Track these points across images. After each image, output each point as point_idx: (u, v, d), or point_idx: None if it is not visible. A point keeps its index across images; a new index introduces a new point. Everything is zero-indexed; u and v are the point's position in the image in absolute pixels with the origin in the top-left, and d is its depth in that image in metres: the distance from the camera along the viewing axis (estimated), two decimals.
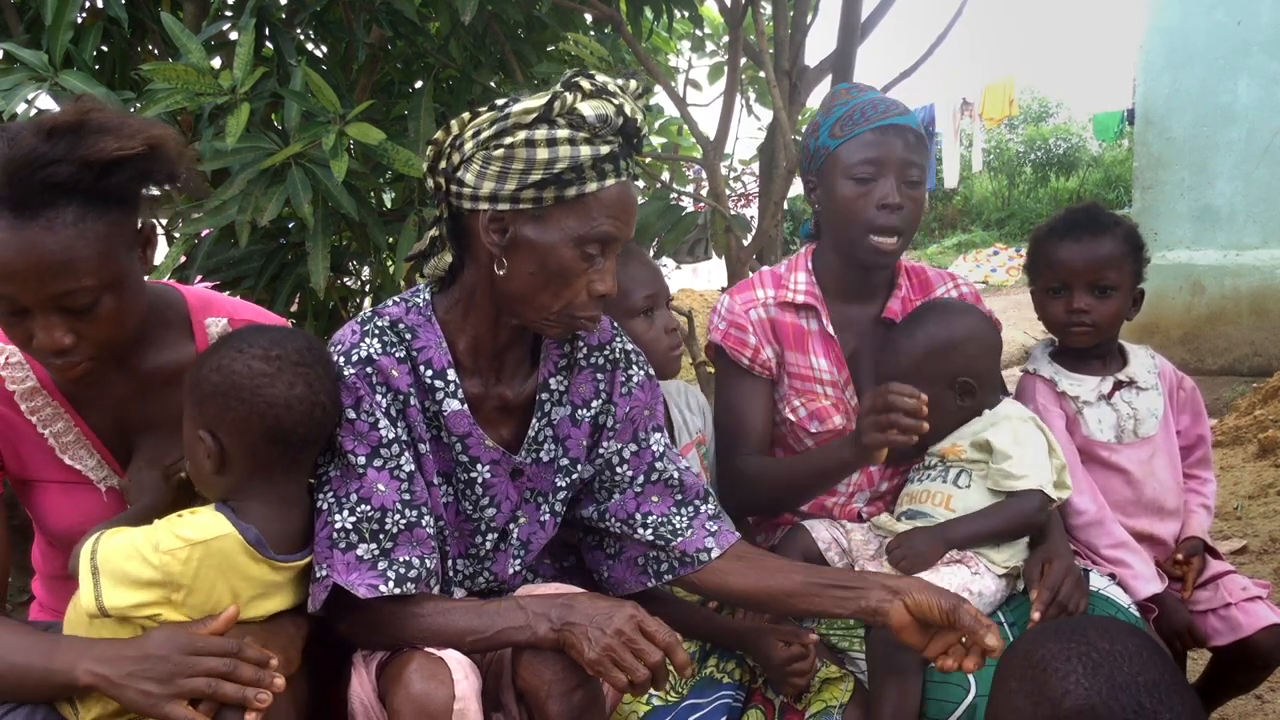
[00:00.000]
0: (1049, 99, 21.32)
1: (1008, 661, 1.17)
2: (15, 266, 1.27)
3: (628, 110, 1.44)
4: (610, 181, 1.45)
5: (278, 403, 1.39)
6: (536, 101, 1.42)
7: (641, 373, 1.69)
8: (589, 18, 3.45)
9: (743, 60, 3.66)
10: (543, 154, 1.40)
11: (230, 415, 1.40)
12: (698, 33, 4.28)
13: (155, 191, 1.46)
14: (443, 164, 1.49)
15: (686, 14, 3.67)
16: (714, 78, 4.45)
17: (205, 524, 1.37)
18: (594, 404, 1.66)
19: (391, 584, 1.44)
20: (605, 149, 1.43)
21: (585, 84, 1.43)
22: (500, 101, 1.46)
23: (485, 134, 1.43)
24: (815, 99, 3.95)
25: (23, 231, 1.27)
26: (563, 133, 1.41)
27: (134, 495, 1.54)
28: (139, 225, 1.42)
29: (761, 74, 3.73)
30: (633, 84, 1.50)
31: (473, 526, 1.61)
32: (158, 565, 1.32)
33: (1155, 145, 6.65)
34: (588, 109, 1.41)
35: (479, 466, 1.59)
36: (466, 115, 1.47)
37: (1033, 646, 1.14)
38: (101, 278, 1.33)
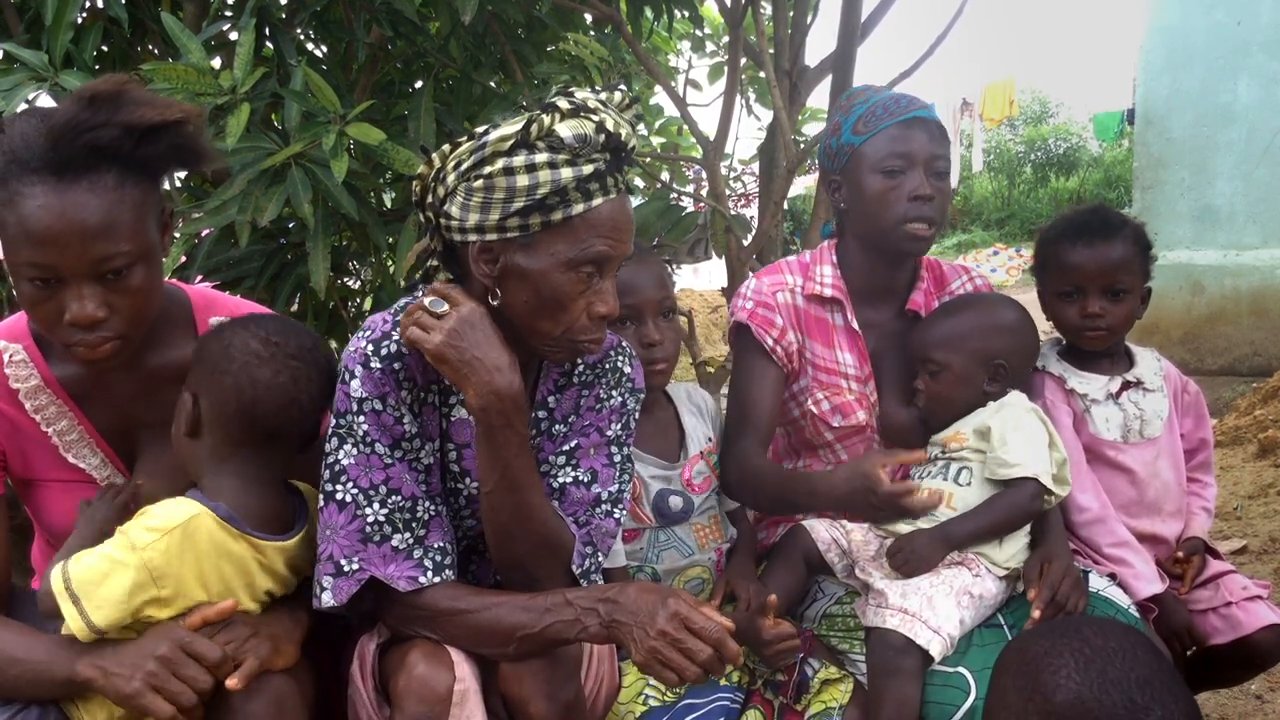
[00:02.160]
0: (1049, 99, 21.34)
1: (1003, 659, 1.17)
2: (58, 230, 1.30)
3: (610, 126, 1.39)
4: (598, 201, 1.41)
5: (259, 384, 1.42)
6: (513, 127, 1.38)
7: (619, 399, 1.64)
8: (589, 18, 3.45)
9: (743, 60, 3.66)
10: (523, 180, 1.37)
11: (213, 383, 1.44)
12: (698, 33, 4.28)
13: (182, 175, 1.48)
14: (429, 199, 1.47)
15: (686, 14, 3.67)
16: (714, 78, 4.45)
17: (175, 509, 1.38)
18: (570, 419, 1.63)
19: (430, 573, 1.45)
20: (589, 168, 1.39)
21: (563, 104, 1.39)
22: (480, 129, 1.43)
23: (465, 165, 1.40)
24: (815, 99, 3.95)
25: (66, 194, 1.30)
26: (542, 157, 1.37)
27: (80, 525, 1.48)
28: (163, 207, 1.46)
29: (761, 74, 3.73)
30: (617, 96, 1.46)
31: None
32: (138, 565, 1.31)
33: (1155, 145, 6.65)
34: (565, 130, 1.37)
35: (467, 480, 1.57)
36: (448, 147, 1.44)
37: (1027, 643, 1.15)
38: (138, 244, 1.36)
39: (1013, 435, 1.81)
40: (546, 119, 1.38)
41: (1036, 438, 1.83)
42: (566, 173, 1.37)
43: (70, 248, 1.31)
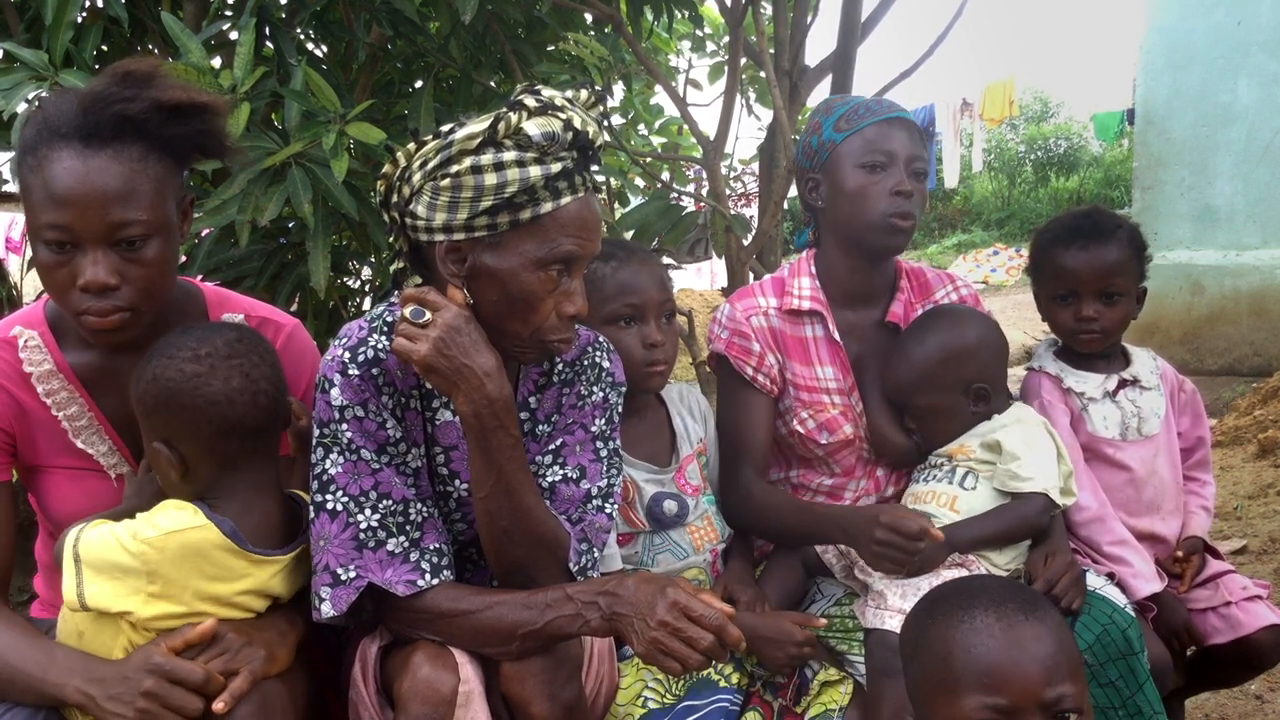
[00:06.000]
0: (1049, 99, 21.33)
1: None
2: (79, 193, 1.35)
3: (577, 124, 1.39)
4: (566, 199, 1.40)
5: (219, 399, 1.39)
6: (480, 126, 1.37)
7: (600, 394, 1.63)
8: (589, 18, 3.45)
9: (743, 60, 3.66)
10: (491, 179, 1.36)
11: (178, 422, 1.40)
12: (698, 33, 4.28)
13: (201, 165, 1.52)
14: (395, 198, 1.45)
15: (686, 14, 3.67)
16: (714, 78, 4.45)
17: (182, 517, 1.38)
18: (554, 418, 1.63)
19: (428, 575, 1.44)
20: (557, 167, 1.38)
21: (530, 102, 1.39)
22: (446, 128, 1.42)
23: (431, 164, 1.39)
24: (815, 99, 3.95)
25: (91, 159, 1.36)
26: (509, 155, 1.36)
27: (129, 495, 1.54)
28: (184, 194, 1.49)
29: (761, 74, 3.73)
30: (584, 94, 1.46)
31: None
32: (135, 553, 1.33)
33: (1155, 145, 6.65)
34: (533, 128, 1.36)
35: (456, 483, 1.57)
36: (412, 146, 1.43)
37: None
38: (155, 216, 1.41)
39: (1025, 450, 1.81)
40: (514, 117, 1.37)
41: (1048, 452, 1.84)
42: (535, 171, 1.37)
43: (89, 210, 1.36)
